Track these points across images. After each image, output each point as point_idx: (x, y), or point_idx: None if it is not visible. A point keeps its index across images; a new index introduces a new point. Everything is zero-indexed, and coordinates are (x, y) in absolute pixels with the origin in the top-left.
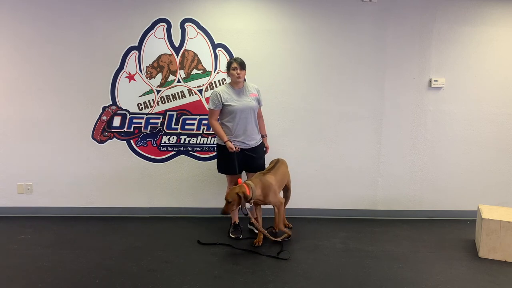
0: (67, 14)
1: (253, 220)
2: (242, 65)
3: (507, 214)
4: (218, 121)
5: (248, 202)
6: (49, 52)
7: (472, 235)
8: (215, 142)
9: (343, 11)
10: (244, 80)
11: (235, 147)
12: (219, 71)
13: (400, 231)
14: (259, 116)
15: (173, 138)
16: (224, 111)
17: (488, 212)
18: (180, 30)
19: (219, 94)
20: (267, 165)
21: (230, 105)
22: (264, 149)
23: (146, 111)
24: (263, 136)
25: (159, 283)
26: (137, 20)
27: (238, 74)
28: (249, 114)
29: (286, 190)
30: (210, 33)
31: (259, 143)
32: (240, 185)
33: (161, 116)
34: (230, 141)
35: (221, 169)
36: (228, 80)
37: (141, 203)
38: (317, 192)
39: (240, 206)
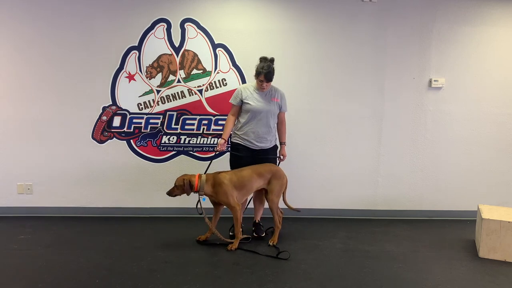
0: (67, 14)
1: (205, 218)
2: (268, 78)
3: (507, 214)
4: (236, 116)
5: (197, 193)
6: (49, 52)
7: (472, 235)
8: (230, 141)
9: (343, 11)
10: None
11: (219, 149)
12: (219, 71)
13: (400, 231)
14: (281, 122)
15: (173, 138)
16: (242, 107)
17: (488, 212)
18: (180, 30)
19: (241, 91)
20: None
21: (248, 103)
22: (280, 156)
23: (146, 111)
24: (282, 143)
25: (159, 283)
26: (137, 20)
27: (263, 86)
28: (264, 116)
29: (249, 198)
30: (210, 33)
31: (271, 145)
32: (192, 174)
33: (161, 116)
34: (225, 141)
35: (232, 167)
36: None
37: (141, 203)
38: (317, 192)
39: (196, 204)
